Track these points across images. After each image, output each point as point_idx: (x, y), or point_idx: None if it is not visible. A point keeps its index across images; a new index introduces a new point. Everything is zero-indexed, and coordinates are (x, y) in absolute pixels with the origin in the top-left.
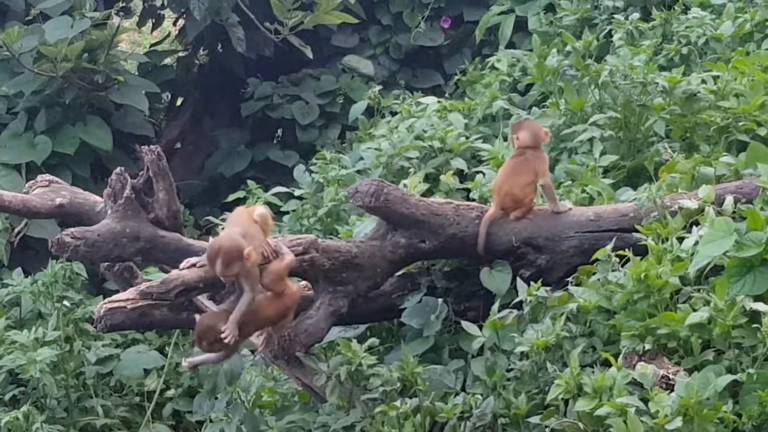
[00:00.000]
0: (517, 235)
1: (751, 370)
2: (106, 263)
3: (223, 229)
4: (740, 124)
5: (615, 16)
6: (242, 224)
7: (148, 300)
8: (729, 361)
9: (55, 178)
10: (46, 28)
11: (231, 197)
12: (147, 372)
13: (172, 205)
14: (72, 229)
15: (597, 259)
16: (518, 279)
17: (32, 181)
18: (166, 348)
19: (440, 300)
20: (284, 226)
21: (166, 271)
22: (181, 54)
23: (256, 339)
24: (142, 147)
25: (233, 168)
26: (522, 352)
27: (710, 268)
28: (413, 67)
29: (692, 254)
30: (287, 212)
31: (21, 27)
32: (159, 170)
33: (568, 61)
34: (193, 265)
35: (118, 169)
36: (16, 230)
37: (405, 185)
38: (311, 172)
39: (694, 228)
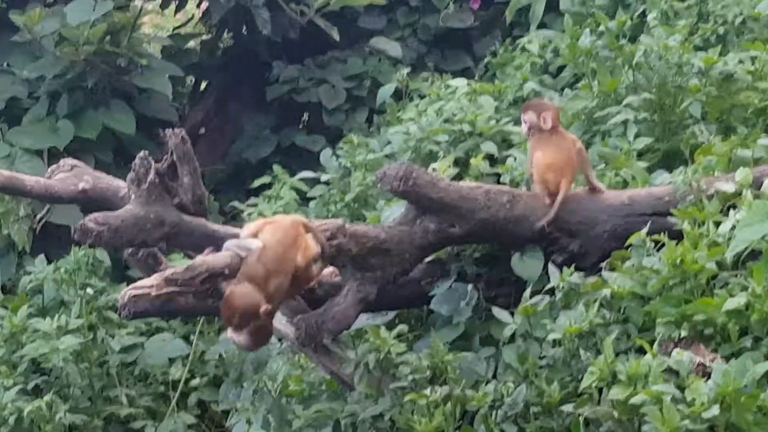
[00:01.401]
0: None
1: None
2: (130, 249)
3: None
4: None
5: None
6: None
7: (172, 287)
8: (767, 348)
9: (78, 163)
10: (68, 10)
11: (256, 183)
12: (172, 361)
13: (197, 190)
14: (95, 215)
15: (631, 244)
16: (550, 265)
17: (54, 166)
18: (191, 336)
19: (470, 286)
20: (311, 211)
21: (191, 257)
22: (204, 37)
23: (284, 327)
24: (166, 130)
25: (258, 153)
26: (554, 340)
27: (748, 252)
28: (442, 49)
29: (729, 239)
30: (314, 198)
31: (42, 9)
32: (183, 154)
33: (601, 42)
34: None
35: (141, 153)
36: (38, 216)
37: (434, 169)
38: (338, 156)
39: (731, 212)
